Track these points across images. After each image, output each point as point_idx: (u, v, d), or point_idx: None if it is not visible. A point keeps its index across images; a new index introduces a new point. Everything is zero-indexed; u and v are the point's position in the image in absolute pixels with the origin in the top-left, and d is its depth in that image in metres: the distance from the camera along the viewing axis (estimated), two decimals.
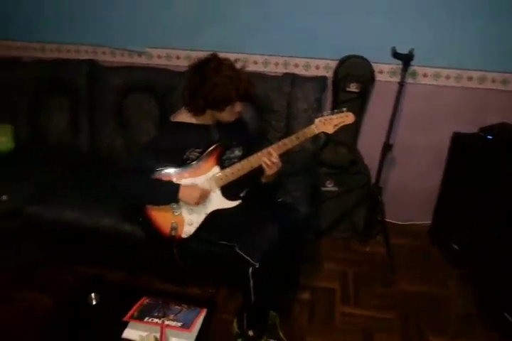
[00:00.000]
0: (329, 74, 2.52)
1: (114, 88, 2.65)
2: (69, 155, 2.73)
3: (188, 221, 1.93)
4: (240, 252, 1.79)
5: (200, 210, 1.93)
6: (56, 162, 2.64)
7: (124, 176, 1.86)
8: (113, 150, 2.72)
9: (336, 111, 1.89)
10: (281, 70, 2.57)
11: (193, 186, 1.88)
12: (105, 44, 2.81)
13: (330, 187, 2.66)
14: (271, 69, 2.59)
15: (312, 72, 2.56)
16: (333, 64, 2.49)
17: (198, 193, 1.85)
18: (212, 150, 1.92)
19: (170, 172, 1.90)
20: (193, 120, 1.94)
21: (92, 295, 1.74)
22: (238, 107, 1.89)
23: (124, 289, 1.86)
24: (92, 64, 2.76)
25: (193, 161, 1.92)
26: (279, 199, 2.09)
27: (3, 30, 2.93)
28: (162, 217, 1.92)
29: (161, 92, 2.61)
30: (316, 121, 1.88)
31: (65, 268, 2.46)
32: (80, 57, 2.85)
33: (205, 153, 1.92)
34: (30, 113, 2.84)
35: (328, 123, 1.88)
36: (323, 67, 2.54)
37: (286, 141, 1.88)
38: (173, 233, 1.88)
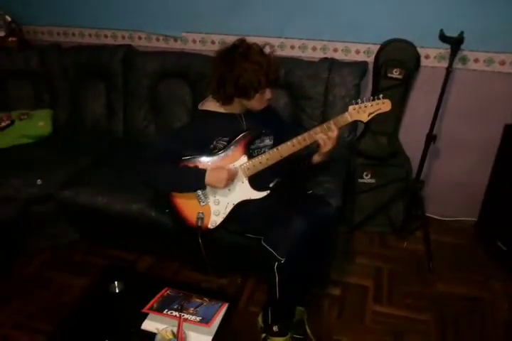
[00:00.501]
0: (370, 59, 2.37)
1: (148, 73, 2.62)
2: (104, 140, 2.76)
3: (215, 211, 1.87)
4: (266, 246, 1.72)
5: (228, 200, 1.87)
6: (91, 147, 2.68)
7: (150, 164, 1.81)
8: (146, 135, 2.71)
9: (371, 98, 1.76)
10: (319, 55, 2.44)
11: (219, 168, 1.81)
12: (141, 29, 2.78)
13: (367, 178, 2.53)
14: (308, 54, 2.47)
15: (352, 57, 2.41)
16: (375, 48, 2.32)
17: (225, 174, 1.78)
18: (239, 139, 1.85)
19: (196, 161, 1.85)
20: (220, 109, 1.87)
21: (116, 283, 1.73)
22: (268, 94, 1.80)
23: (148, 278, 1.83)
24: (127, 49, 2.74)
25: (220, 150, 1.86)
26: (310, 191, 1.99)
27: (45, 15, 2.96)
28: (188, 207, 1.88)
29: (194, 78, 2.56)
30: (350, 108, 1.76)
31: (97, 251, 2.49)
32: (117, 43, 2.84)
33: (232, 142, 1.85)
34: (69, 98, 2.89)
35: (363, 111, 1.76)
36: (363, 51, 2.39)
37: (317, 129, 1.78)
38: (199, 223, 1.84)
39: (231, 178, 1.82)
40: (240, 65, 1.70)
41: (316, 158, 1.91)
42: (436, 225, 2.63)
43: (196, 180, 1.80)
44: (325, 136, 1.77)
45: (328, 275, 2.16)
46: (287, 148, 1.81)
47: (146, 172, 1.83)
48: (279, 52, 2.45)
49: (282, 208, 1.84)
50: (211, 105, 1.88)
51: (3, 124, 2.67)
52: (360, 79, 2.30)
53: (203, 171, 1.79)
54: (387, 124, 2.42)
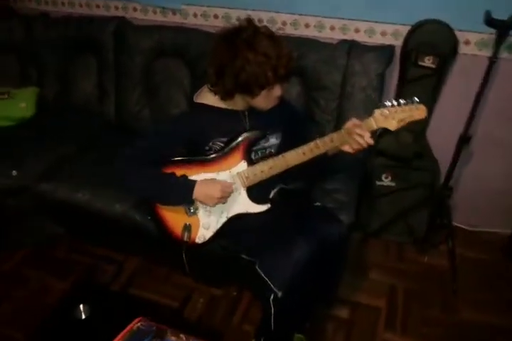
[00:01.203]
0: (398, 42, 1.99)
1: (142, 50, 2.30)
2: (93, 123, 2.48)
3: (205, 224, 1.59)
4: (261, 273, 1.46)
5: (220, 213, 1.58)
6: (77, 132, 2.40)
7: (131, 163, 1.51)
8: (140, 120, 2.41)
9: (402, 101, 1.42)
10: (338, 36, 2.07)
11: (211, 182, 1.52)
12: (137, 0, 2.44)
13: (386, 181, 2.21)
14: (325, 35, 2.09)
15: (376, 40, 2.03)
16: (404, 30, 1.94)
17: (218, 192, 1.48)
18: (240, 141, 1.54)
19: (186, 164, 1.56)
20: (220, 103, 1.56)
21: (81, 307, 1.49)
22: (277, 91, 1.48)
23: (120, 301, 1.58)
24: (120, 21, 2.42)
25: (216, 153, 1.57)
26: (317, 204, 1.69)
27: None
28: (173, 216, 1.60)
29: (194, 58, 2.22)
30: (376, 113, 1.43)
31: (82, 248, 2.29)
32: (110, 14, 2.53)
33: (231, 145, 1.55)
34: (58, 74, 2.60)
35: (392, 117, 1.42)
36: (390, 33, 2.00)
37: (334, 135, 1.47)
38: (185, 236, 1.57)
39: (225, 196, 1.52)
40: (243, 54, 1.37)
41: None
42: (462, 236, 2.30)
43: (181, 195, 1.51)
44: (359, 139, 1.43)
45: (334, 295, 1.89)
46: (296, 157, 1.51)
47: (123, 172, 1.53)
48: (291, 31, 2.11)
49: (283, 225, 1.56)
50: (209, 98, 1.56)
51: None
52: (385, 67, 1.92)
53: (192, 184, 1.50)
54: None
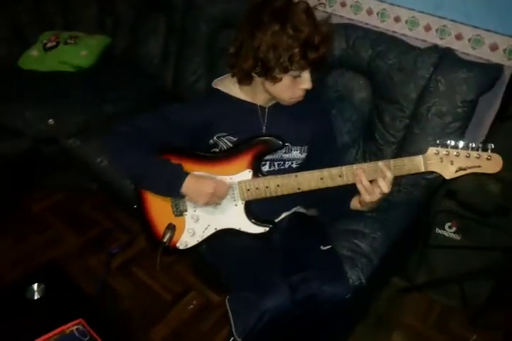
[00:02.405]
0: (510, 63, 1.51)
1: (207, 18, 2.06)
2: (148, 86, 2.31)
3: (190, 229, 1.36)
4: (228, 308, 1.22)
5: (209, 221, 1.34)
6: (129, 91, 2.26)
7: (123, 141, 1.30)
8: (193, 91, 2.19)
9: (472, 145, 1.07)
10: (432, 39, 1.63)
11: (205, 177, 1.28)
12: None
13: (449, 232, 1.75)
14: (417, 35, 1.66)
15: (482, 54, 1.57)
16: None
17: (211, 188, 1.24)
18: (251, 144, 1.27)
19: (183, 155, 1.32)
20: (238, 93, 1.30)
21: (35, 286, 1.36)
22: (305, 81, 1.19)
23: (74, 289, 1.42)
24: None
25: (221, 152, 1.32)
26: (327, 247, 1.33)
27: None
28: (158, 212, 1.38)
29: None
30: (430, 151, 1.10)
31: (106, 209, 2.23)
32: None
33: (239, 146, 1.29)
34: (131, 28, 2.45)
35: (450, 161, 1.09)
36: (504, 48, 1.51)
37: (364, 166, 1.16)
38: (165, 237, 1.34)
39: (219, 195, 1.27)
40: (267, 26, 1.11)
41: (355, 204, 1.29)
42: None
43: (168, 184, 1.27)
44: (367, 183, 1.13)
45: None
46: (310, 181, 1.21)
47: (115, 145, 1.33)
48: (375, 23, 1.73)
49: (272, 260, 1.28)
50: (227, 85, 1.31)
51: (49, 45, 2.34)
52: (479, 93, 1.46)
53: (184, 174, 1.26)
54: (509, 167, 1.58)
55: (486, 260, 1.72)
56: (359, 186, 1.16)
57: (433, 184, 1.60)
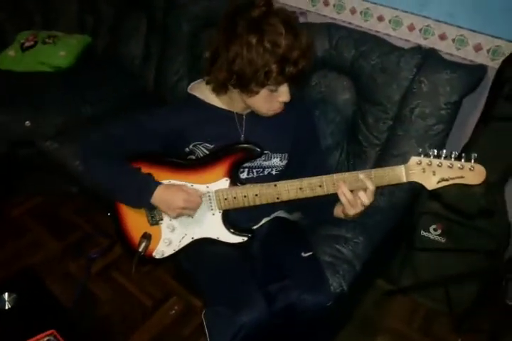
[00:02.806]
0: (494, 64, 1.47)
1: (190, 17, 2.00)
2: (128, 86, 2.25)
3: (166, 239, 1.31)
4: (204, 323, 1.18)
5: (186, 231, 1.30)
6: (109, 92, 2.19)
7: (94, 150, 1.26)
8: (175, 92, 2.14)
9: (456, 154, 1.04)
10: (416, 39, 1.59)
11: (177, 188, 1.22)
12: None
13: (434, 234, 1.72)
14: (400, 35, 1.62)
15: (466, 55, 1.53)
16: (509, 49, 1.42)
17: (181, 200, 1.19)
18: (228, 153, 1.23)
19: (157, 163, 1.27)
20: (214, 100, 1.25)
21: (6, 295, 1.32)
22: (283, 95, 1.14)
23: (48, 299, 1.37)
24: None
25: (198, 159, 1.27)
26: (307, 254, 1.29)
27: None
28: (133, 221, 1.33)
29: None
30: (412, 161, 1.07)
31: (86, 212, 2.18)
32: None
33: (216, 154, 1.24)
34: (111, 27, 2.40)
35: (432, 171, 1.06)
36: (487, 49, 1.48)
37: (346, 175, 1.12)
38: (141, 247, 1.29)
39: (191, 208, 1.22)
40: (243, 37, 1.05)
41: (338, 213, 1.26)
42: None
43: (138, 195, 1.22)
44: (349, 196, 1.10)
45: None
46: (290, 190, 1.17)
47: (83, 155, 1.30)
48: (359, 22, 1.68)
49: (247, 271, 1.24)
50: (203, 91, 1.26)
51: (27, 44, 2.27)
52: (463, 94, 1.43)
53: (153, 185, 1.21)
54: (492, 169, 1.54)
55: (471, 263, 1.70)
56: (342, 198, 1.12)
57: (416, 186, 1.57)
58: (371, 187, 1.09)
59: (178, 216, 1.24)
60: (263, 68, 1.06)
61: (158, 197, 1.20)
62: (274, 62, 1.05)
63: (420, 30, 1.56)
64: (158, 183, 1.22)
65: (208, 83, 1.21)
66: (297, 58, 1.06)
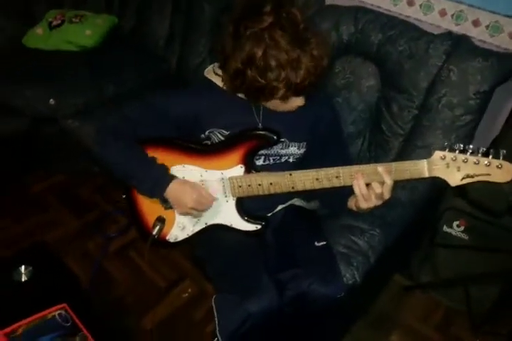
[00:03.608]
0: None
1: (211, 1, 1.98)
2: (151, 68, 2.24)
3: (180, 223, 1.31)
4: (214, 308, 1.18)
5: (200, 216, 1.28)
6: (132, 73, 2.18)
7: (112, 134, 1.24)
8: (199, 75, 2.09)
9: (483, 150, 0.98)
10: (447, 25, 1.51)
11: (190, 186, 1.20)
12: None
13: (457, 230, 1.67)
14: (431, 20, 1.54)
15: (501, 42, 1.44)
16: None
17: (191, 200, 1.18)
18: (244, 139, 1.20)
19: (172, 147, 1.26)
20: None
21: (22, 268, 1.35)
22: (296, 102, 1.13)
23: (66, 271, 1.40)
24: None
25: (213, 144, 1.25)
26: (321, 243, 1.27)
27: None
28: (148, 204, 1.32)
29: None
30: (436, 155, 1.01)
31: (107, 191, 2.21)
32: None
33: (233, 140, 1.22)
34: (138, 8, 2.37)
35: (457, 167, 1.00)
36: None
37: (365, 167, 1.08)
38: (155, 230, 1.30)
39: (197, 209, 1.20)
40: (250, 55, 1.02)
41: (351, 204, 1.22)
42: None
43: (151, 187, 1.21)
44: (364, 189, 1.07)
45: None
46: (304, 181, 1.14)
47: (100, 139, 1.27)
48: (388, 6, 1.61)
49: (259, 260, 1.23)
50: (220, 78, 1.22)
51: (54, 23, 2.28)
52: (493, 84, 1.35)
53: (167, 180, 1.20)
54: None
55: (495, 263, 1.63)
56: (356, 190, 1.08)
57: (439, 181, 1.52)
58: (389, 181, 1.04)
59: (184, 214, 1.24)
60: (268, 86, 1.04)
61: (170, 192, 1.19)
62: (278, 82, 1.03)
63: (452, 15, 1.48)
64: (172, 178, 1.21)
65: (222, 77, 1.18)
66: (303, 77, 1.03)
